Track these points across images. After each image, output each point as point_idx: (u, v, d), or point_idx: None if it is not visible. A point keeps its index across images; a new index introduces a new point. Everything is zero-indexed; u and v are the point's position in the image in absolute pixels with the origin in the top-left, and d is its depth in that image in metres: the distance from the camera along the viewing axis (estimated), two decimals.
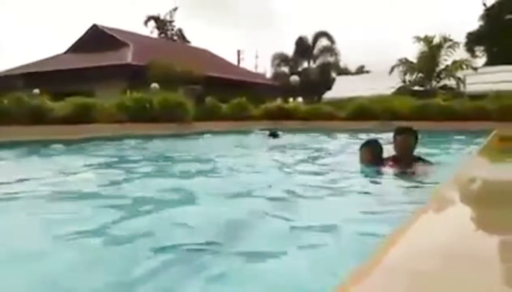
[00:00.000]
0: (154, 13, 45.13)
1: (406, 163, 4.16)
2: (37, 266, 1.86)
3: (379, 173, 4.18)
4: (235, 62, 39.42)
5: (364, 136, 7.73)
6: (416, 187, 3.62)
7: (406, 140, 4.22)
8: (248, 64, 46.97)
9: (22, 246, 2.11)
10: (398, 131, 4.31)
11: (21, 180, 4.13)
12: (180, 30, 45.92)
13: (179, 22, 52.67)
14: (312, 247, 2.07)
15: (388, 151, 4.39)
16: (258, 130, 12.00)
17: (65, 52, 27.59)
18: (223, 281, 1.72)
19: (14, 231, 2.44)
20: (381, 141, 4.58)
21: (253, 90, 24.68)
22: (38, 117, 9.67)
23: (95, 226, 2.47)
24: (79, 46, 26.62)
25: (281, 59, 40.53)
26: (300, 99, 21.94)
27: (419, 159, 4.24)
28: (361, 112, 15.41)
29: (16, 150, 7.18)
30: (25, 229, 2.50)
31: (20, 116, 9.31)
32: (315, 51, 39.82)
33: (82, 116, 10.40)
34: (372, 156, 4.35)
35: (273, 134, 10.53)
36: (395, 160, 4.24)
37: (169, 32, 45.57)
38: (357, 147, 4.61)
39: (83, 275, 1.82)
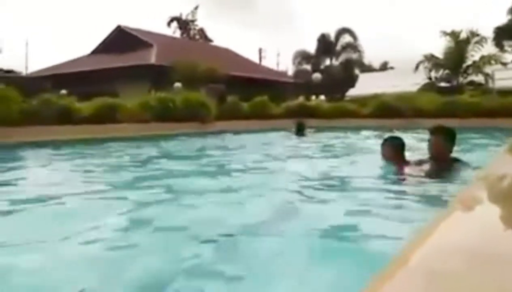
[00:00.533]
0: (176, 13, 45.82)
1: (440, 164, 3.95)
2: None
3: (398, 173, 4.04)
4: (256, 60, 39.49)
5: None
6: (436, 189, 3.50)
7: (438, 140, 4.00)
8: (269, 62, 46.93)
9: None
10: (431, 131, 4.12)
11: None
12: (202, 30, 46.31)
13: (201, 21, 53.04)
14: None
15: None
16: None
17: (91, 54, 28.22)
18: None
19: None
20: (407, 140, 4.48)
21: (275, 89, 24.66)
22: (66, 117, 9.93)
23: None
24: (104, 48, 27.19)
25: (302, 57, 40.30)
26: (322, 97, 21.74)
27: (456, 160, 4.00)
28: (385, 109, 15.19)
29: (46, 149, 7.40)
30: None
31: (48, 117, 9.57)
32: (338, 48, 39.40)
33: (107, 116, 10.63)
34: (391, 153, 4.25)
35: (299, 129, 9.98)
36: (426, 161, 4.05)
37: (191, 32, 46.03)
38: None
39: None
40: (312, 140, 9.21)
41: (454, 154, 4.10)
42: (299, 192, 3.35)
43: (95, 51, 27.98)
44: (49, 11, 72.35)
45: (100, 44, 28.08)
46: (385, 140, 4.44)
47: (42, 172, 5.04)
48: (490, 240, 1.28)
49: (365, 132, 11.08)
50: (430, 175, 3.84)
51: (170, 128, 11.23)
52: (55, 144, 7.94)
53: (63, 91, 15.25)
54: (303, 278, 1.76)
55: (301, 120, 10.56)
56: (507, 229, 1.51)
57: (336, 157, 6.45)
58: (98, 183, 4.10)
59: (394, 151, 4.26)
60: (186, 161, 6.16)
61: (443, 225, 1.42)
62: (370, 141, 8.33)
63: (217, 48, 34.58)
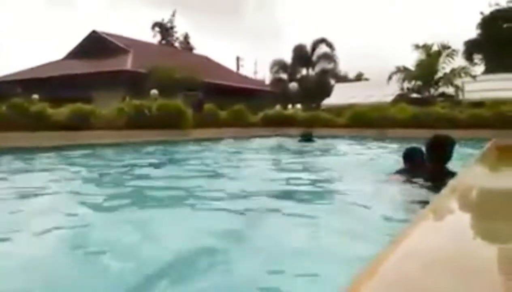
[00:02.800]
0: (158, 19, 45.81)
1: (436, 175, 3.93)
2: None
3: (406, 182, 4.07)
4: (234, 69, 39.54)
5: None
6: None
7: (434, 151, 4.06)
8: (247, 71, 47.09)
9: None
10: (429, 141, 4.14)
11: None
12: (186, 36, 46.27)
13: (182, 29, 53.01)
14: None
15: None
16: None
17: (64, 58, 27.64)
18: None
19: None
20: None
21: (252, 97, 24.75)
22: (38, 123, 9.67)
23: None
24: (78, 52, 26.67)
25: (279, 66, 40.61)
26: (299, 106, 21.95)
27: (450, 173, 3.96)
28: (359, 119, 15.47)
29: (15, 155, 7.18)
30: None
31: (19, 123, 9.30)
32: (314, 58, 39.90)
33: (81, 123, 10.42)
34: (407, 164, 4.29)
35: (307, 138, 10.41)
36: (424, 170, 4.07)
37: (170, 38, 45.87)
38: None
39: None
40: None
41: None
42: None
43: (69, 56, 27.41)
44: (21, 13, 70.48)
45: (74, 49, 27.53)
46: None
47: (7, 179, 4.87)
48: (460, 249, 1.31)
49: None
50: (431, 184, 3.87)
51: (146, 136, 11.09)
52: (25, 151, 7.72)
53: (35, 96, 14.86)
54: None
55: (308, 130, 11.26)
56: (476, 237, 1.55)
57: None
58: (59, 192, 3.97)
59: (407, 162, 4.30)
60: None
61: (414, 232, 1.44)
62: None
63: (194, 56, 34.45)
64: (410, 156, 4.38)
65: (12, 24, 68.57)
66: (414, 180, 4.02)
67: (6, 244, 2.30)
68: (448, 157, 4.05)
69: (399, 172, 4.32)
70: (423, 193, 3.76)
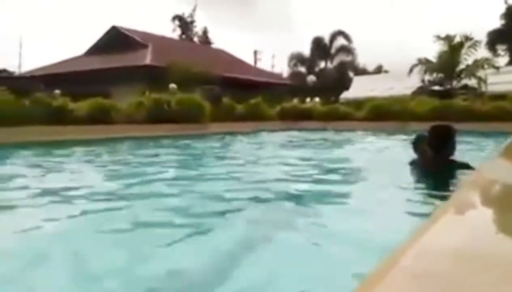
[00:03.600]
0: (179, 12, 46.20)
1: (440, 165, 3.96)
2: None
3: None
4: (252, 62, 39.49)
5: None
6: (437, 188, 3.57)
7: (436, 139, 4.00)
8: (264, 64, 46.99)
9: None
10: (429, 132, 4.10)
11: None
12: (204, 31, 46.54)
13: (200, 23, 53.27)
14: None
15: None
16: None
17: (85, 54, 28.07)
18: None
19: None
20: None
21: (270, 91, 24.68)
22: (60, 118, 9.88)
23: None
24: (98, 48, 27.04)
25: (298, 59, 40.38)
26: (317, 99, 21.80)
27: (453, 161, 3.99)
28: (378, 112, 15.28)
29: (38, 150, 7.35)
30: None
31: (41, 117, 9.51)
32: (332, 50, 39.52)
33: (102, 117, 10.59)
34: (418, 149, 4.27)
35: None
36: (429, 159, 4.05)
37: (190, 33, 46.17)
38: None
39: None
40: None
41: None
42: None
43: (90, 52, 27.82)
44: (44, 10, 71.91)
45: (94, 45, 27.93)
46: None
47: (34, 172, 5.00)
48: (480, 243, 1.29)
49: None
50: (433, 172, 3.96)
51: (165, 130, 11.21)
52: (48, 145, 7.90)
53: (57, 91, 15.15)
54: None
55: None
56: (497, 232, 1.53)
57: None
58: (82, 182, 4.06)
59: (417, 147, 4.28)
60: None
61: (434, 227, 1.43)
62: None
63: (212, 50, 34.52)
64: (416, 143, 4.32)
65: (34, 21, 69.98)
66: (423, 170, 4.03)
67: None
68: (448, 147, 3.96)
69: (411, 163, 4.29)
70: (430, 184, 3.78)
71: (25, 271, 1.87)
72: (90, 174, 4.88)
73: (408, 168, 4.26)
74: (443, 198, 3.18)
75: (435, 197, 3.29)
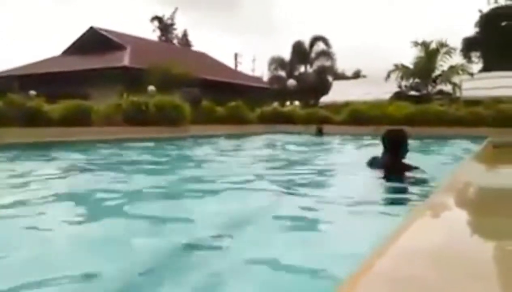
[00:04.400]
0: (160, 13, 45.81)
1: (394, 167, 4.07)
2: None
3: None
4: (232, 66, 39.47)
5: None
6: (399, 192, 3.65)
7: (389, 143, 4.15)
8: (245, 68, 47.07)
9: None
10: (384, 134, 4.23)
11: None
12: (184, 34, 46.30)
13: (181, 25, 53.01)
14: None
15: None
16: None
17: (62, 54, 27.53)
18: None
19: None
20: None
21: (250, 94, 24.71)
22: (34, 119, 9.62)
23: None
24: (75, 48, 26.57)
25: (278, 63, 40.58)
26: (297, 103, 21.94)
27: (406, 165, 4.09)
28: (357, 117, 15.48)
29: (12, 152, 7.15)
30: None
31: (15, 118, 9.26)
32: (312, 55, 39.91)
33: (78, 119, 10.37)
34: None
35: (320, 132, 12.81)
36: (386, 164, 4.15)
37: (170, 35, 45.87)
38: None
39: None
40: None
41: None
42: None
43: (67, 52, 27.31)
44: (20, 9, 70.14)
45: (72, 45, 27.42)
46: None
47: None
48: (455, 245, 1.31)
49: None
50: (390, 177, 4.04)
51: (143, 132, 11.06)
52: (21, 147, 7.69)
53: (32, 92, 14.81)
54: None
55: (320, 126, 13.44)
56: (472, 234, 1.56)
57: None
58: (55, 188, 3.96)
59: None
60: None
61: (410, 229, 1.44)
62: None
63: (192, 52, 34.37)
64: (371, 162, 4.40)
65: (11, 20, 68.22)
66: (377, 172, 4.11)
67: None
68: (402, 150, 4.08)
69: (368, 164, 4.34)
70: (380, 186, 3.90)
71: None
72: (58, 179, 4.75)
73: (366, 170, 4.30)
74: (395, 200, 3.31)
75: (387, 199, 3.42)
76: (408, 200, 3.28)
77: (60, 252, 2.13)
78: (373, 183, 3.92)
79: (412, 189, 3.71)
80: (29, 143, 8.19)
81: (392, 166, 4.05)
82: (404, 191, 3.69)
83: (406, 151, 4.10)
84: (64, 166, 5.58)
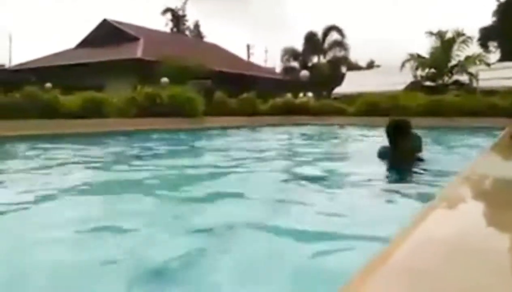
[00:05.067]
0: (171, 5, 45.75)
1: (396, 157, 4.07)
2: None
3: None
4: (245, 57, 39.35)
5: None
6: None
7: (391, 133, 4.14)
8: (257, 59, 46.95)
9: None
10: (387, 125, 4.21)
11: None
12: (196, 25, 46.22)
13: (192, 17, 52.95)
14: None
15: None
16: None
17: (76, 47, 27.79)
18: None
19: None
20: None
21: (262, 85, 24.65)
22: (50, 111, 9.76)
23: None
24: (89, 41, 26.80)
25: (291, 54, 40.24)
26: (310, 94, 21.81)
27: (410, 155, 4.10)
28: (371, 108, 15.32)
29: (29, 144, 7.28)
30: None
31: (32, 111, 9.40)
32: (325, 45, 39.47)
33: (93, 111, 10.49)
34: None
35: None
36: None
37: (182, 27, 45.87)
38: None
39: None
40: None
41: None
42: None
43: (81, 45, 27.56)
44: (34, 3, 70.91)
45: (86, 38, 27.66)
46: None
47: (24, 166, 4.94)
48: (472, 237, 1.30)
49: None
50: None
51: (157, 124, 11.14)
52: (40, 139, 7.82)
53: (48, 85, 14.98)
54: None
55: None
56: (489, 226, 1.54)
57: None
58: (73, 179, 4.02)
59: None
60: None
61: (426, 222, 1.44)
62: None
63: (205, 44, 34.38)
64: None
65: (26, 14, 69.03)
66: (388, 162, 4.12)
67: None
68: (405, 140, 4.02)
69: (378, 155, 4.31)
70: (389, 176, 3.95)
71: None
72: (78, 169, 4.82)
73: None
74: (398, 190, 3.29)
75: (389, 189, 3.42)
76: (407, 190, 3.26)
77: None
78: (376, 174, 3.89)
79: (414, 178, 3.71)
80: (46, 135, 8.32)
81: (395, 156, 4.03)
82: (404, 180, 3.70)
83: (410, 140, 4.04)
84: (83, 157, 5.67)
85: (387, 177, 3.94)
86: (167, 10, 45.46)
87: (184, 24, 46.45)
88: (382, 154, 4.23)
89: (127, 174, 4.35)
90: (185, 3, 45.99)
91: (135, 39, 24.51)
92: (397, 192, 3.18)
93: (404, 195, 3.04)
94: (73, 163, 5.15)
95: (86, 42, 27.12)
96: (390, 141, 4.12)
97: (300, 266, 1.79)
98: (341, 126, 12.52)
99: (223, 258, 1.90)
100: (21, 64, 26.35)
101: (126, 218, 2.54)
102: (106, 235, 2.23)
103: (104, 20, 26.70)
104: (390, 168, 4.01)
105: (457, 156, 4.91)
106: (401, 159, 4.01)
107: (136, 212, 2.69)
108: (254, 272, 1.77)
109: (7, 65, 27.12)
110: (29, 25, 70.48)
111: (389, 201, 3.01)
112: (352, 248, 1.92)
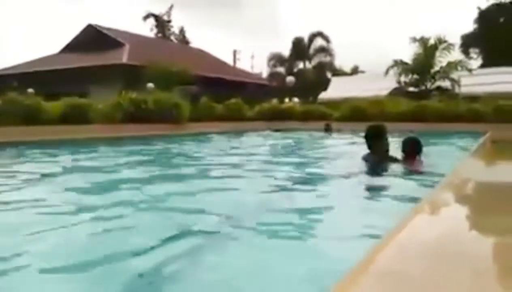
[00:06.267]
0: (155, 11, 45.38)
1: (375, 161, 4.40)
2: None
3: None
4: (231, 62, 39.38)
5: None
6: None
7: (368, 137, 4.49)
8: (244, 64, 47.05)
9: None
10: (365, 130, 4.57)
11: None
12: (182, 30, 46.02)
13: (176, 22, 52.79)
14: None
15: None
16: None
17: (60, 52, 27.45)
18: None
19: None
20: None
21: (249, 91, 24.69)
22: (33, 117, 9.61)
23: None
24: (74, 46, 26.48)
25: (277, 59, 40.48)
26: (296, 99, 21.91)
27: (388, 158, 4.40)
28: (356, 113, 15.46)
29: (10, 151, 7.14)
30: None
31: (14, 117, 9.24)
32: (311, 51, 39.82)
33: (77, 117, 10.35)
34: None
35: (327, 129, 12.57)
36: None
37: (167, 32, 45.64)
38: None
39: None
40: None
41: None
42: None
43: (65, 50, 27.22)
44: (18, 7, 69.83)
45: (70, 43, 27.33)
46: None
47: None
48: (456, 241, 1.31)
49: None
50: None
51: (142, 130, 11.05)
52: (20, 146, 7.68)
53: (30, 90, 14.76)
54: None
55: (329, 123, 13.17)
56: (472, 230, 1.56)
57: None
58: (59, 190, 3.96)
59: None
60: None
61: (409, 226, 1.45)
62: None
63: (190, 49, 34.29)
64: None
65: (9, 18, 67.98)
66: (367, 164, 4.45)
67: None
68: (381, 144, 4.35)
69: (362, 158, 4.62)
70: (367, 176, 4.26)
71: None
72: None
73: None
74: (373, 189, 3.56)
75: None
76: (382, 192, 3.49)
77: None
78: (356, 177, 4.15)
79: (389, 181, 3.96)
80: (28, 142, 8.17)
81: (374, 160, 4.36)
82: (381, 183, 3.96)
83: (385, 144, 4.37)
84: (65, 164, 5.58)
85: (364, 177, 4.24)
86: (148, 15, 44.99)
87: (169, 29, 46.25)
88: (365, 157, 4.55)
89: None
90: (170, 8, 45.87)
91: (120, 44, 24.33)
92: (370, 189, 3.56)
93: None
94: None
95: (70, 47, 26.80)
96: (369, 145, 4.44)
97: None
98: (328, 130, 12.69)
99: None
100: (2, 70, 25.90)
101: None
102: None
103: (89, 25, 26.44)
104: (369, 169, 4.33)
105: (439, 161, 4.98)
106: (377, 161, 4.33)
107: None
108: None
109: None
110: (12, 29, 69.40)
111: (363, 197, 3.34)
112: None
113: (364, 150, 4.60)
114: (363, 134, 4.54)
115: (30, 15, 71.94)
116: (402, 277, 0.98)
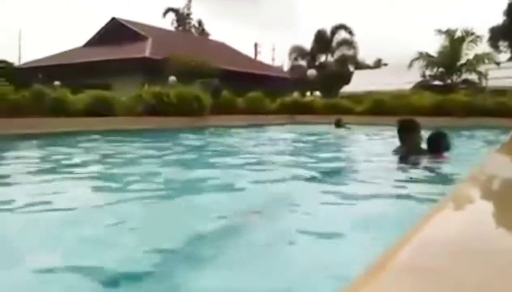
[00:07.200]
0: (174, 5, 45.48)
1: (406, 154, 4.48)
2: None
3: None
4: (252, 55, 39.34)
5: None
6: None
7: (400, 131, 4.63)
8: (265, 57, 46.93)
9: None
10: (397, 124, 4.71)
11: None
12: (199, 22, 46.09)
13: (198, 15, 52.95)
14: None
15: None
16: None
17: (85, 45, 27.96)
18: None
19: None
20: None
21: (270, 84, 24.63)
22: (59, 109, 9.83)
23: None
24: (98, 39, 26.93)
25: (298, 52, 40.20)
26: (317, 93, 21.74)
27: (419, 151, 4.46)
28: (378, 107, 15.25)
29: (38, 141, 7.33)
30: None
31: (40, 109, 9.47)
32: (333, 44, 39.35)
33: (101, 109, 10.54)
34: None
35: (339, 123, 12.17)
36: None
37: (187, 25, 45.80)
38: None
39: None
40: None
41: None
42: None
43: (89, 43, 27.71)
44: (42, 1, 71.47)
45: (94, 36, 27.81)
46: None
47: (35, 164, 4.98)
48: (479, 237, 1.28)
49: None
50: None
51: (164, 123, 11.18)
52: (47, 137, 7.88)
53: (57, 83, 15.11)
54: None
55: (340, 117, 12.66)
56: (497, 226, 1.53)
57: None
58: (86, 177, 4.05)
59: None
60: None
61: (432, 221, 1.43)
62: None
63: (212, 42, 34.40)
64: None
65: (34, 13, 69.64)
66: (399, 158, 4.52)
67: None
68: (413, 138, 4.45)
69: (393, 151, 4.74)
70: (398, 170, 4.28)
71: None
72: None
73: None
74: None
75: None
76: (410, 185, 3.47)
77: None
78: (387, 170, 4.24)
79: (419, 174, 3.98)
80: (54, 133, 8.37)
81: (404, 153, 4.45)
82: (411, 175, 3.98)
83: (419, 139, 4.47)
84: (92, 154, 5.71)
85: (395, 169, 4.32)
86: (168, 10, 44.91)
87: (189, 22, 46.30)
88: (396, 150, 4.69)
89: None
90: (190, 1, 45.85)
91: (143, 37, 24.60)
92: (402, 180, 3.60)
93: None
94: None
95: (94, 41, 27.27)
96: (400, 138, 4.58)
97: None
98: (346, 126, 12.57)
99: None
100: (30, 62, 26.58)
101: None
102: None
103: (113, 19, 26.82)
104: (399, 162, 4.43)
105: (465, 156, 4.88)
106: (408, 154, 4.41)
107: None
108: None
109: (16, 63, 27.38)
110: (38, 23, 71.10)
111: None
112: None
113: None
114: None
115: (56, 9, 73.48)
116: (422, 273, 0.97)
